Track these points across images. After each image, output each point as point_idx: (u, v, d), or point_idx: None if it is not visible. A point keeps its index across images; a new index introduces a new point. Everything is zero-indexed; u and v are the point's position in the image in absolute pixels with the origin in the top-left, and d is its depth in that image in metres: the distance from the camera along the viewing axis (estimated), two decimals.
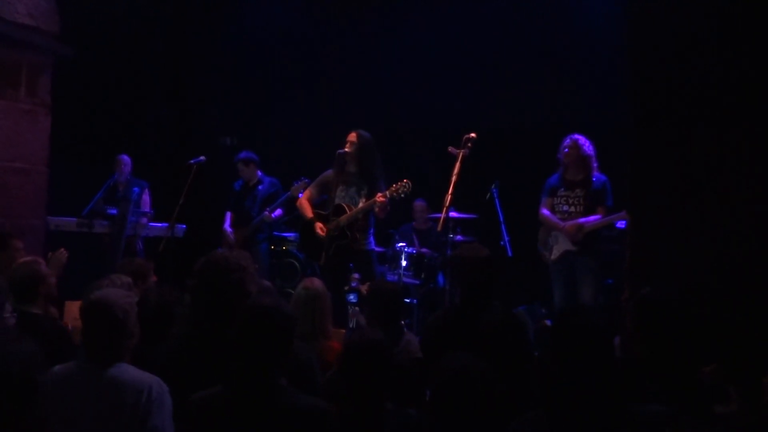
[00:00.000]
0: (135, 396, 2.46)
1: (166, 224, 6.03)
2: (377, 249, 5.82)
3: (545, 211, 5.30)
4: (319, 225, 5.42)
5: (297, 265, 6.89)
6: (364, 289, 4.62)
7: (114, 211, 6.16)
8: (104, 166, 6.57)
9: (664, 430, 2.14)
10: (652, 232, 3.51)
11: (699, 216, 3.38)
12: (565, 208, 5.21)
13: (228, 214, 6.62)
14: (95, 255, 6.01)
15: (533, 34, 6.69)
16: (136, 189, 6.34)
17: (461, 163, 4.80)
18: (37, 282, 3.38)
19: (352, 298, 5.03)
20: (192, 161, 5.87)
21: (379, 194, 5.16)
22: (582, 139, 5.18)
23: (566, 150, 5.17)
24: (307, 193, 5.67)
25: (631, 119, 3.63)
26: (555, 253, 5.22)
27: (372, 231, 5.50)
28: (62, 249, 4.66)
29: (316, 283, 3.73)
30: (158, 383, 2.51)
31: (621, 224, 4.95)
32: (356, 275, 5.14)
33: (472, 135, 4.88)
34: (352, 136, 5.38)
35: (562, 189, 5.25)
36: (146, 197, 6.55)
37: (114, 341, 2.54)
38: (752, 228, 3.30)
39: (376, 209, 5.22)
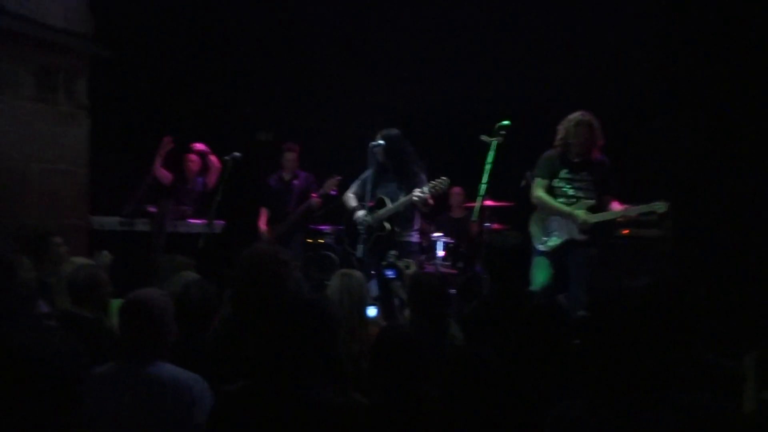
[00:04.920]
0: (176, 394, 2.49)
1: (204, 221, 6.12)
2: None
3: (541, 194, 4.80)
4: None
5: (334, 257, 6.93)
6: (403, 266, 4.56)
7: (153, 209, 6.27)
8: (143, 163, 6.68)
9: (706, 417, 2.11)
10: (695, 218, 3.44)
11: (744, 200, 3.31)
12: (570, 192, 4.77)
13: (263, 210, 6.68)
14: (137, 252, 6.12)
15: (567, 21, 6.59)
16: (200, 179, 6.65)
17: (495, 151, 4.76)
18: (94, 288, 3.44)
19: (390, 273, 5.01)
20: (227, 157, 5.94)
21: (417, 190, 5.16)
22: (593, 117, 4.75)
23: (578, 127, 4.69)
24: (351, 189, 5.71)
25: (674, 103, 3.55)
26: (556, 240, 4.77)
27: (416, 226, 5.49)
28: (106, 251, 4.74)
29: (353, 272, 3.74)
30: (199, 381, 2.54)
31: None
32: (394, 252, 5.12)
33: (506, 122, 4.84)
34: (378, 139, 5.37)
35: (566, 170, 4.78)
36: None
37: (152, 339, 2.58)
38: None
39: (417, 204, 5.23)
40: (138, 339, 2.58)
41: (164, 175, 6.62)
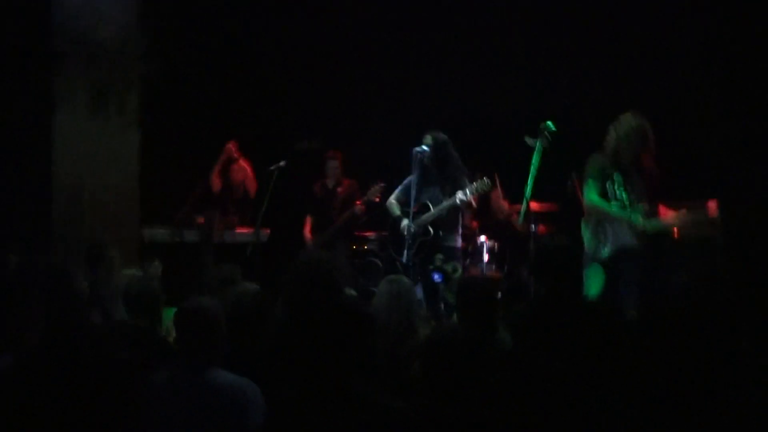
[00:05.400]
0: (231, 400, 2.54)
1: (250, 230, 6.21)
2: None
3: (596, 198, 4.64)
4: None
5: (379, 263, 6.95)
6: (450, 269, 4.56)
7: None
8: (191, 175, 6.82)
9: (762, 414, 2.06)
10: (746, 219, 3.36)
11: None
12: (624, 195, 4.61)
13: (308, 218, 6.75)
14: (187, 262, 6.25)
15: (612, 19, 6.52)
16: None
17: (539, 153, 4.73)
18: (147, 298, 3.53)
19: (436, 277, 4.99)
20: (273, 167, 6.02)
21: (459, 193, 5.16)
22: (646, 122, 4.59)
23: (632, 133, 4.55)
24: (395, 195, 5.73)
25: (723, 104, 3.48)
26: (611, 247, 4.62)
27: (459, 229, 5.51)
28: (156, 261, 4.85)
29: (401, 278, 3.76)
30: (251, 386, 2.59)
31: None
32: (440, 256, 5.12)
33: (549, 124, 4.80)
34: (426, 140, 5.39)
35: (618, 174, 4.63)
36: None
37: (206, 346, 2.63)
38: None
39: (460, 206, 5.24)
40: (193, 346, 2.64)
41: (216, 183, 6.74)
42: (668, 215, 4.70)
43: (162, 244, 6.21)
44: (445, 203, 5.32)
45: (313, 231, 6.67)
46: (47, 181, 5.33)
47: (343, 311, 2.39)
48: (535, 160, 4.70)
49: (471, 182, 5.26)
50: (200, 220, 6.40)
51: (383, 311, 3.34)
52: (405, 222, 5.44)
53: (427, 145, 5.36)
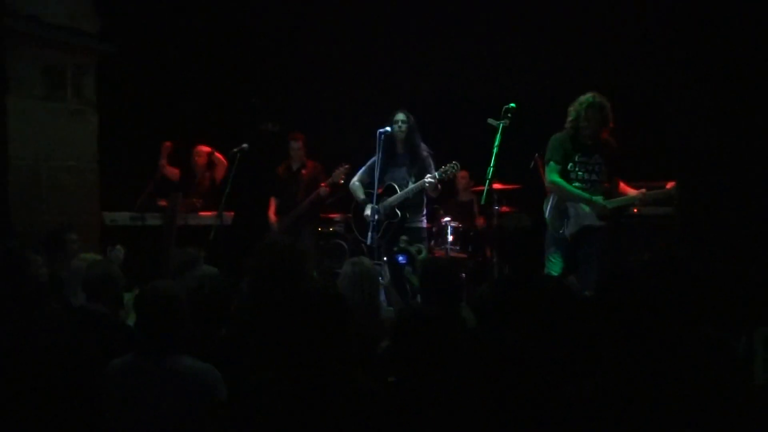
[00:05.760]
0: (193, 385, 2.53)
1: (214, 213, 6.16)
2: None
3: (558, 179, 4.72)
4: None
5: (344, 245, 6.96)
6: (415, 251, 4.58)
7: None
8: (152, 158, 6.73)
9: (717, 392, 2.12)
10: (704, 198, 3.42)
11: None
12: (585, 175, 4.71)
13: (272, 201, 6.72)
14: (149, 246, 6.18)
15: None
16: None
17: (502, 134, 4.77)
18: (108, 283, 3.48)
19: (401, 259, 5.03)
20: (235, 149, 5.96)
21: (428, 176, 5.19)
22: (604, 99, 4.68)
23: (590, 110, 4.65)
24: (358, 176, 5.72)
25: (680, 82, 3.52)
26: (573, 227, 4.70)
27: (425, 210, 5.53)
28: (119, 245, 4.78)
29: (363, 260, 3.78)
30: (213, 372, 2.58)
31: None
32: (405, 237, 5.15)
33: (512, 105, 4.84)
34: (401, 117, 5.39)
35: (579, 154, 4.72)
36: None
37: (168, 331, 2.61)
38: None
39: (428, 189, 5.26)
40: (153, 331, 2.62)
41: (172, 172, 6.75)
42: (628, 192, 4.76)
43: (124, 227, 6.13)
44: (413, 185, 5.34)
45: (277, 213, 6.64)
46: (3, 165, 5.20)
47: (314, 295, 2.40)
48: (498, 141, 4.74)
49: (437, 165, 5.29)
50: (162, 203, 6.32)
51: (347, 293, 3.36)
52: (369, 208, 5.45)
53: (402, 121, 5.37)
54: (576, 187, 4.72)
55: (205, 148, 6.79)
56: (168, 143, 6.74)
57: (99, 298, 3.42)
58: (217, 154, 6.75)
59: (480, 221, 6.68)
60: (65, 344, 2.71)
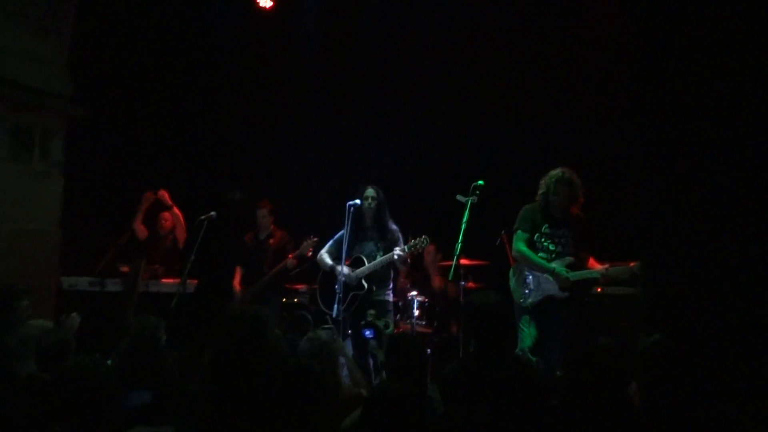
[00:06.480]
0: None
1: (176, 280, 6.04)
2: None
3: (523, 248, 4.79)
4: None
5: (309, 317, 6.85)
6: (382, 325, 4.53)
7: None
8: (116, 224, 6.63)
9: None
10: (668, 275, 3.48)
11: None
12: (551, 247, 4.78)
13: (238, 269, 6.63)
14: (108, 313, 6.01)
15: (541, 81, 6.79)
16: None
17: (470, 210, 4.81)
18: (62, 354, 3.36)
19: (368, 333, 4.97)
20: (203, 217, 5.91)
21: (397, 249, 5.21)
22: (574, 174, 4.80)
23: (559, 185, 4.74)
24: (326, 248, 5.70)
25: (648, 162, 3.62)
26: (535, 296, 4.76)
27: (391, 284, 5.52)
28: (74, 313, 4.63)
29: (320, 334, 3.73)
30: None
31: None
32: (372, 311, 5.11)
33: (480, 183, 4.91)
34: (371, 193, 5.44)
35: (547, 225, 4.80)
36: None
37: (91, 411, 2.50)
38: None
39: (397, 262, 5.26)
40: (78, 410, 2.51)
41: (141, 229, 6.66)
42: (594, 266, 4.81)
43: (82, 292, 5.96)
44: (382, 258, 5.34)
45: (242, 283, 6.54)
46: None
47: (289, 372, 2.34)
48: (466, 217, 4.78)
49: (406, 239, 5.32)
50: (124, 269, 6.19)
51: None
52: (345, 270, 5.40)
53: (371, 197, 5.41)
54: (541, 257, 4.78)
55: (163, 195, 6.73)
56: (150, 193, 6.68)
57: (51, 368, 3.29)
58: (176, 209, 6.72)
59: (437, 281, 6.64)
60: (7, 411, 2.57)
